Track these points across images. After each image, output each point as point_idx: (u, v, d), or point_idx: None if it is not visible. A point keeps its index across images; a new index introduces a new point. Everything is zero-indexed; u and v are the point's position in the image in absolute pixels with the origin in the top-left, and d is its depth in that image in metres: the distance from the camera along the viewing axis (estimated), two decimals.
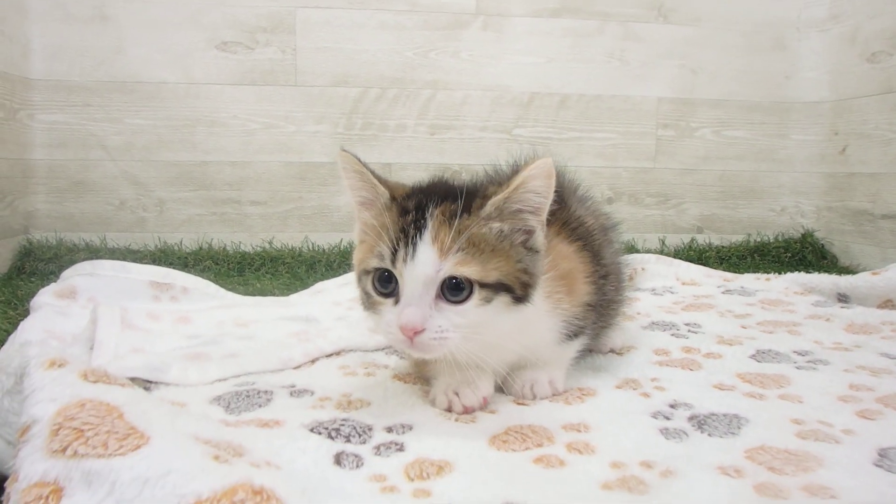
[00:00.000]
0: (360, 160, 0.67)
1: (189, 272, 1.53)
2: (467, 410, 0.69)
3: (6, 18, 1.53)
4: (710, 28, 1.77)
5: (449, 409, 0.70)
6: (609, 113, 1.78)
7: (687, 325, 1.09)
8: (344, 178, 0.69)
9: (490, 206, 0.64)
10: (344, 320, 1.08)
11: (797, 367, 0.85)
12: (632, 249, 1.77)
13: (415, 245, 0.62)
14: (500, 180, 0.70)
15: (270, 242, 1.72)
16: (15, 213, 1.59)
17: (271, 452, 0.59)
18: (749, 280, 1.47)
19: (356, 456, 0.60)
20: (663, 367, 0.86)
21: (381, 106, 1.72)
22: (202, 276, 1.50)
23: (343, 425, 0.66)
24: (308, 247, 1.73)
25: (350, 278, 1.30)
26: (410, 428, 0.67)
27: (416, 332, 0.61)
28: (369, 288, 0.66)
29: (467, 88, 1.73)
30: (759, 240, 1.83)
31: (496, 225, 0.64)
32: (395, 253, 0.62)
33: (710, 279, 1.53)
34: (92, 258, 1.51)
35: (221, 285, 1.40)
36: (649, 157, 1.82)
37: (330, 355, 0.93)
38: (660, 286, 1.47)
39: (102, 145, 1.67)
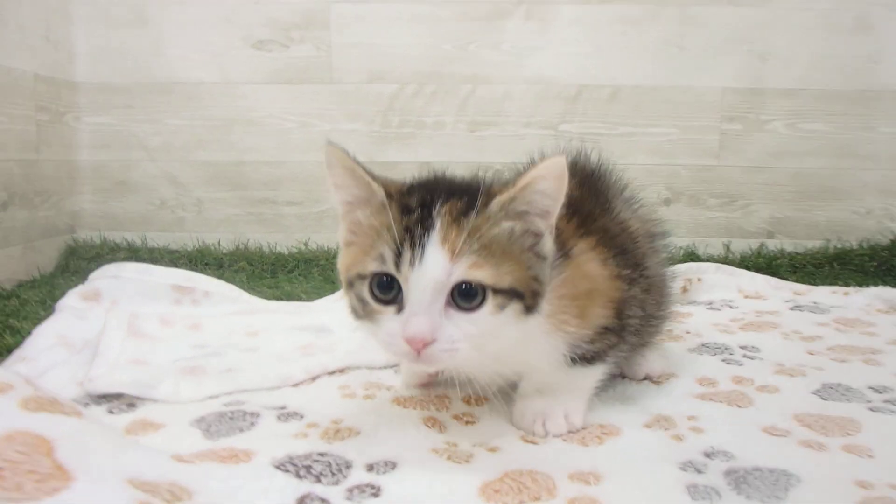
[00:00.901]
0: (349, 155, 0.62)
1: (224, 273, 1.54)
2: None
3: (52, 25, 1.55)
4: (782, 8, 1.58)
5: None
6: (667, 106, 1.63)
7: (743, 348, 0.96)
8: (330, 175, 0.64)
9: (496, 204, 0.58)
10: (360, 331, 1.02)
11: (871, 409, 0.71)
12: (692, 256, 1.62)
13: (423, 247, 0.55)
14: (508, 179, 0.64)
15: (306, 243, 1.68)
16: (61, 213, 1.62)
17: (225, 495, 0.52)
18: (824, 294, 1.29)
19: (323, 501, 0.53)
20: (705, 401, 0.74)
21: (418, 102, 1.64)
22: (236, 278, 1.50)
23: (318, 461, 0.59)
24: None
25: None
26: (394, 466, 0.60)
27: (426, 344, 0.55)
28: (365, 295, 0.59)
29: (509, 82, 1.62)
30: (839, 246, 1.63)
31: (508, 224, 0.58)
32: (399, 255, 0.56)
33: (778, 292, 1.36)
34: (132, 258, 1.53)
35: (253, 287, 1.38)
36: (712, 153, 1.65)
37: (333, 373, 0.87)
38: (718, 299, 1.32)
39: (143, 146, 1.68)
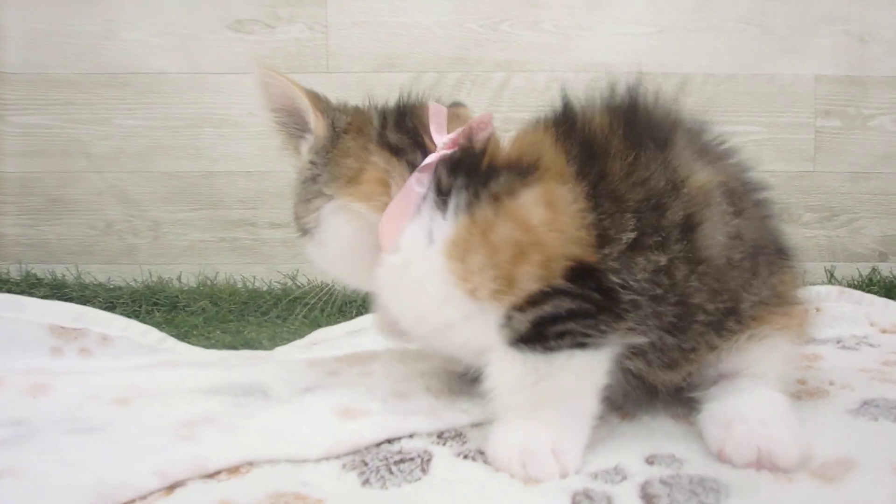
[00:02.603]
0: None
1: (176, 316, 1.14)
2: None
3: None
4: None
5: None
6: (748, 98, 1.31)
7: None
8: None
9: None
10: (312, 393, 0.64)
11: None
12: None
13: None
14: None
15: (293, 277, 1.30)
16: None
17: None
18: None
19: None
20: None
21: (439, 95, 1.30)
22: (188, 321, 1.11)
23: None
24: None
25: (363, 323, 0.90)
26: None
27: None
28: None
29: (553, 69, 1.30)
30: None
31: None
32: None
33: None
34: (54, 296, 1.14)
35: (205, 333, 1.00)
36: (806, 156, 1.33)
37: (216, 474, 0.49)
38: (847, 335, 0.95)
39: (86, 153, 1.31)
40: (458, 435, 0.56)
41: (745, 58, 1.31)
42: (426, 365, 0.69)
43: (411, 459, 0.51)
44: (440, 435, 0.56)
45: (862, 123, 1.32)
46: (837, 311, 1.02)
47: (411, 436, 0.55)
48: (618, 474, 0.47)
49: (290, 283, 1.29)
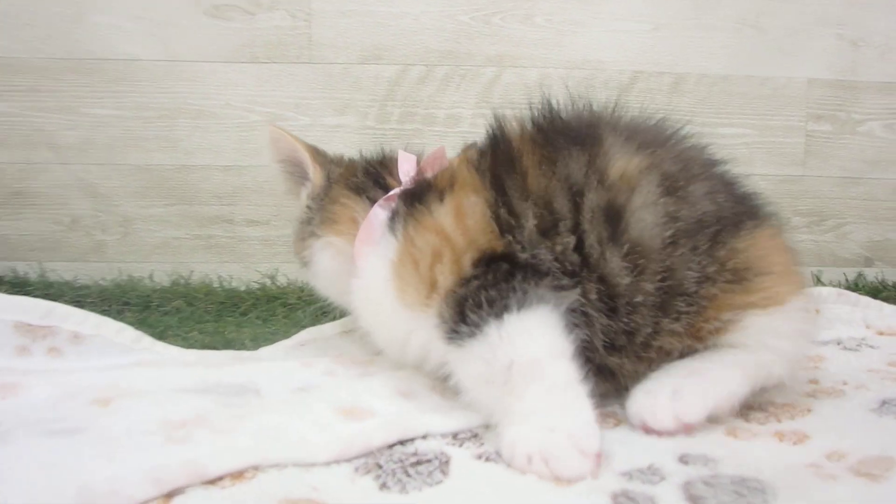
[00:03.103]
0: None
1: (149, 316, 1.08)
2: None
3: None
4: None
5: None
6: (741, 99, 1.29)
7: None
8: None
9: None
10: (308, 393, 0.61)
11: None
12: None
13: None
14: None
15: (273, 277, 1.24)
16: None
17: None
18: None
19: None
20: None
21: (427, 89, 1.26)
22: (162, 321, 1.05)
23: None
24: None
25: (353, 324, 0.84)
26: None
27: None
28: None
29: (545, 65, 1.26)
30: None
31: None
32: None
33: None
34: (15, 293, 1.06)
35: (181, 334, 0.94)
36: (797, 160, 1.32)
37: (218, 480, 0.45)
38: (846, 336, 0.96)
39: (51, 143, 1.23)
40: (474, 436, 0.53)
41: (739, 59, 1.29)
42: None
43: (428, 461, 0.48)
44: (455, 436, 0.53)
45: (852, 128, 1.31)
46: (835, 312, 1.02)
47: (424, 437, 0.52)
48: (654, 475, 0.45)
49: (269, 282, 1.23)
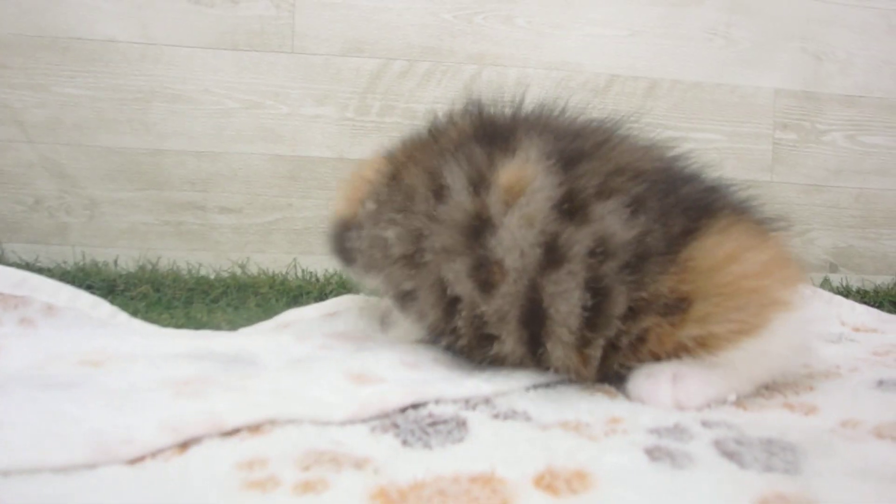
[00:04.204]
0: None
1: (115, 299, 1.03)
2: None
3: None
4: (839, 3, 1.35)
5: None
6: (711, 106, 1.33)
7: None
8: None
9: None
10: (306, 364, 0.58)
11: None
12: None
13: None
14: None
15: (243, 266, 1.21)
16: None
17: None
18: None
19: None
20: None
21: (408, 84, 1.26)
22: (129, 306, 1.00)
23: None
24: (296, 273, 1.22)
25: (340, 305, 0.84)
26: None
27: None
28: None
29: (524, 65, 1.29)
30: None
31: None
32: None
33: (889, 325, 1.04)
34: None
35: (154, 316, 0.90)
36: (764, 166, 1.36)
37: (234, 433, 0.42)
38: (824, 332, 0.97)
39: (18, 121, 1.19)
40: (486, 401, 0.51)
41: (710, 67, 1.33)
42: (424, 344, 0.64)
43: (445, 422, 0.45)
44: (467, 401, 0.50)
45: (816, 138, 1.36)
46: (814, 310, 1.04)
47: (437, 402, 0.49)
48: (683, 433, 0.44)
49: (240, 272, 1.20)
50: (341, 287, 1.15)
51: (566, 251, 0.48)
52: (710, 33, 1.33)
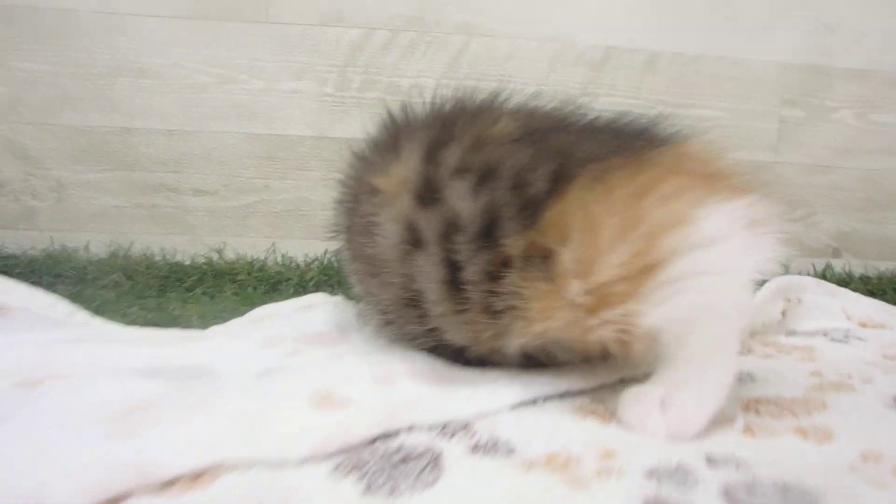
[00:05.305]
0: None
1: (84, 289, 0.99)
2: None
3: None
4: None
5: None
6: (713, 81, 1.26)
7: None
8: None
9: None
10: (271, 378, 0.53)
11: None
12: None
13: None
14: None
15: (220, 251, 1.16)
16: None
17: None
18: None
19: None
20: None
21: (391, 56, 1.19)
22: (99, 295, 0.97)
23: None
24: (276, 258, 1.17)
25: (313, 300, 0.83)
26: None
27: None
28: None
29: (516, 37, 1.21)
30: None
31: None
32: None
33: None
34: None
35: (120, 309, 0.87)
36: (769, 145, 1.29)
37: (172, 483, 0.37)
38: (831, 327, 0.91)
39: None
40: (465, 427, 0.46)
41: (711, 40, 1.25)
42: (403, 350, 0.60)
43: (417, 457, 0.41)
44: (443, 427, 0.46)
45: (825, 115, 1.29)
46: (817, 303, 0.98)
47: (410, 428, 0.45)
48: (686, 477, 0.40)
49: (216, 257, 1.15)
50: (322, 273, 1.10)
51: (423, 236, 0.50)
52: (714, 3, 1.24)
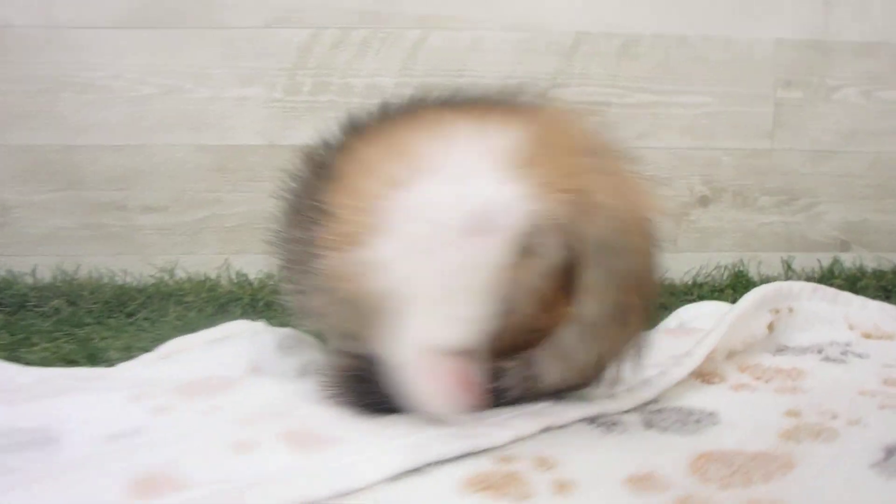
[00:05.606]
0: None
1: (24, 316, 0.94)
2: None
3: None
4: None
5: None
6: (700, 65, 1.15)
7: None
8: None
9: None
10: (118, 443, 0.46)
11: None
12: (739, 277, 1.12)
13: None
14: None
15: (171, 271, 1.10)
16: None
17: None
18: None
19: None
20: None
21: (343, 55, 1.11)
22: (34, 325, 0.92)
23: None
24: (229, 276, 1.10)
25: (228, 331, 0.77)
26: None
27: None
28: None
29: (477, 27, 1.12)
30: None
31: None
32: None
33: None
34: None
35: (52, 338, 0.83)
36: (764, 132, 1.18)
37: None
38: (828, 341, 0.77)
39: None
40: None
41: (697, 18, 1.14)
42: (299, 387, 0.52)
43: None
44: None
45: (826, 95, 1.17)
46: (813, 311, 0.86)
47: None
48: None
49: (166, 277, 1.09)
50: (274, 292, 1.03)
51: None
52: None
